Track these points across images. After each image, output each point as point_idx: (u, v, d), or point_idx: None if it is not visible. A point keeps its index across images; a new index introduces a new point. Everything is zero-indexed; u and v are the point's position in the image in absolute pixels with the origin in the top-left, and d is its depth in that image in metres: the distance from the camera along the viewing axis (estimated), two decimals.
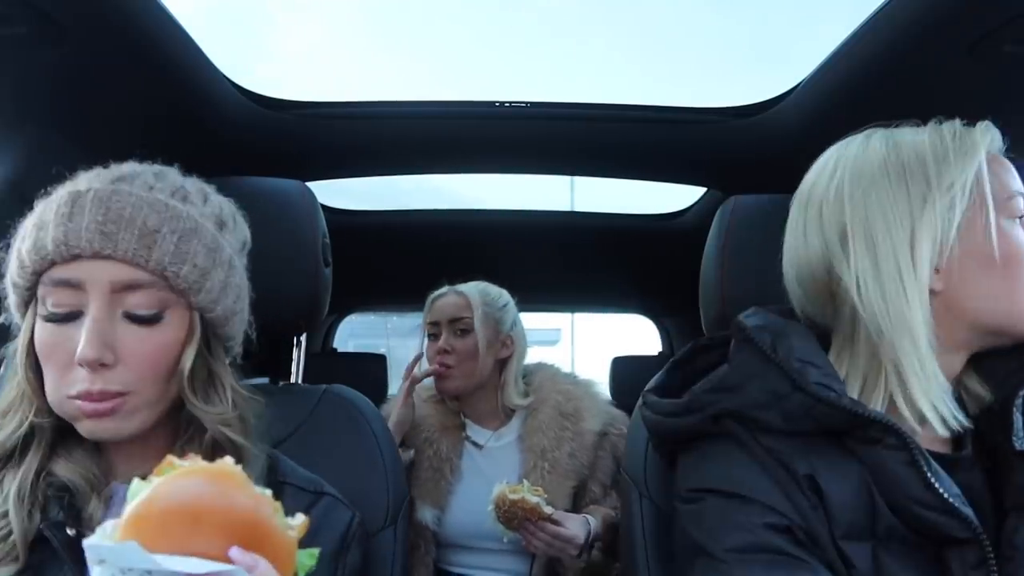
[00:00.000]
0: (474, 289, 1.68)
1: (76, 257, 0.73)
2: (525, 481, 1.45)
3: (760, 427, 0.77)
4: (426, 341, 1.71)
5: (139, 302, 0.74)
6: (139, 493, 0.53)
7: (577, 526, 1.44)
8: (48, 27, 0.93)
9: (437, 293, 1.71)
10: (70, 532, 0.73)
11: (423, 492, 1.56)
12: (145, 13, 1.02)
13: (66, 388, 0.73)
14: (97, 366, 0.72)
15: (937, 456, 0.75)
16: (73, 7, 0.92)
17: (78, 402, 0.72)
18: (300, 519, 0.57)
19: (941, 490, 0.71)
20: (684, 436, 0.85)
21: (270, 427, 0.89)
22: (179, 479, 0.53)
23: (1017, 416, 0.78)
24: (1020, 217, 0.78)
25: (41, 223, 0.74)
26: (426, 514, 1.54)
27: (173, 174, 0.82)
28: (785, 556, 0.72)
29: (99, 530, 0.53)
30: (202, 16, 1.16)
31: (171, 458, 0.56)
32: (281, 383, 1.29)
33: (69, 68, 1.04)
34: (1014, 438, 0.77)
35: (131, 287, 0.73)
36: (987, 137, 0.79)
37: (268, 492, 0.56)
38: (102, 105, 1.17)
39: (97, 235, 0.72)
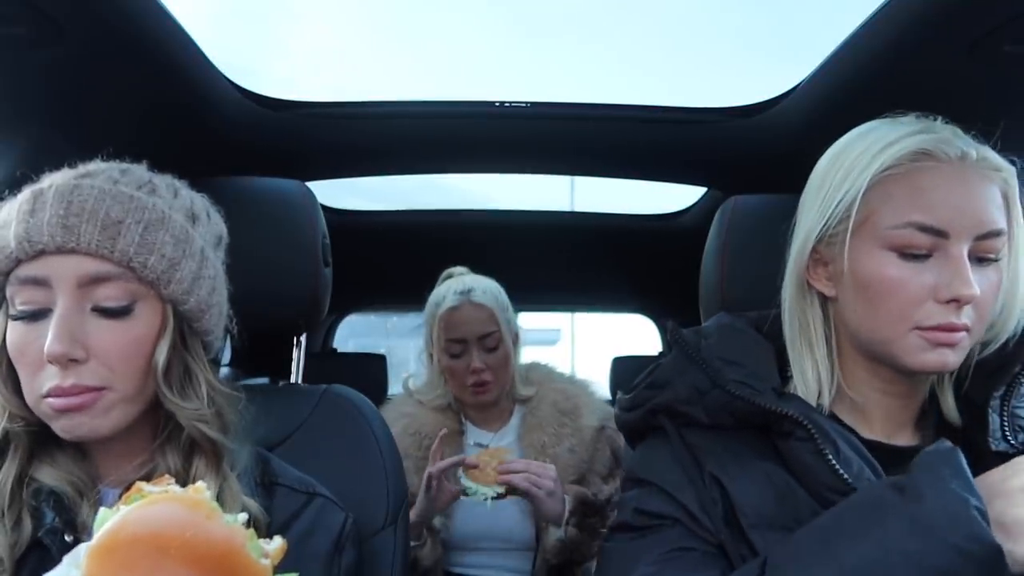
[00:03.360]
0: (488, 297, 1.60)
1: (40, 253, 0.72)
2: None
3: (687, 421, 0.83)
4: (444, 358, 1.60)
5: (107, 295, 0.73)
6: (105, 522, 0.51)
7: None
8: (48, 27, 0.93)
9: (450, 305, 1.59)
10: (68, 538, 0.72)
11: None
12: (145, 13, 1.02)
13: (39, 387, 0.71)
14: (67, 362, 0.70)
15: (887, 448, 0.81)
16: (73, 7, 0.92)
17: (50, 399, 0.71)
18: (276, 543, 0.55)
19: (844, 474, 0.74)
20: (637, 430, 0.91)
21: (268, 427, 0.89)
22: (146, 508, 0.51)
23: (993, 417, 0.80)
24: (909, 249, 0.76)
25: (4, 223, 0.73)
26: (434, 520, 1.54)
27: (141, 170, 0.81)
28: (642, 530, 0.80)
29: (69, 556, 0.52)
30: (206, 18, 1.16)
31: (140, 484, 0.54)
32: (281, 383, 1.29)
33: (69, 68, 1.04)
34: (990, 438, 0.79)
35: (98, 280, 0.72)
36: (880, 160, 0.77)
37: (242, 518, 0.54)
38: (101, 105, 1.17)
39: (59, 229, 0.71)
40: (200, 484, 0.55)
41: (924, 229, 0.75)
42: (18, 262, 0.72)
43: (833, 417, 0.83)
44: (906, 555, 0.62)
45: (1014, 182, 0.78)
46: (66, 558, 0.52)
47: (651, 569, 0.77)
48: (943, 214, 0.75)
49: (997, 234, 0.76)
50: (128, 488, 0.56)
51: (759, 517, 0.77)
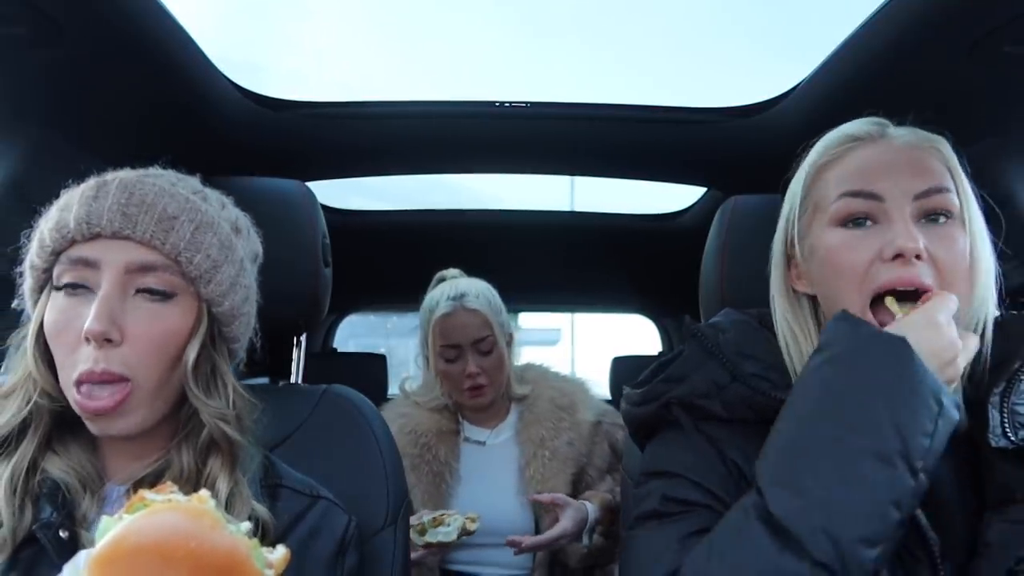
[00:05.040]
0: (481, 301, 1.61)
1: (96, 236, 0.76)
2: (424, 518, 1.44)
3: (703, 415, 0.84)
4: (439, 363, 1.61)
5: (151, 281, 0.77)
6: (108, 532, 0.50)
7: (569, 517, 1.47)
8: (48, 27, 0.93)
9: (444, 311, 1.60)
10: (62, 535, 0.73)
11: (424, 499, 1.55)
12: (145, 13, 1.02)
13: (72, 368, 0.74)
14: (103, 341, 0.73)
15: None
16: (72, 7, 0.92)
17: (79, 396, 0.73)
18: (280, 553, 0.55)
19: None
20: (648, 424, 0.91)
21: (268, 427, 0.89)
22: (149, 517, 0.51)
23: (993, 413, 0.80)
24: (850, 218, 0.79)
25: (66, 205, 0.77)
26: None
27: (195, 180, 0.86)
28: (670, 516, 0.80)
29: (68, 565, 0.52)
30: (213, 15, 1.16)
31: (143, 493, 0.54)
32: (281, 383, 1.29)
33: (68, 68, 1.04)
34: (990, 435, 0.78)
35: (145, 269, 0.76)
36: (815, 154, 0.84)
37: (245, 527, 0.54)
38: (102, 105, 1.17)
39: (119, 215, 0.75)
40: (204, 493, 0.55)
41: (857, 194, 0.79)
42: (73, 242, 0.76)
43: None
44: (849, 386, 0.69)
45: (950, 152, 0.81)
46: (66, 567, 0.52)
47: (679, 546, 0.76)
48: (873, 179, 0.79)
49: (939, 191, 0.77)
50: (134, 489, 0.55)
51: None
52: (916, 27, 1.03)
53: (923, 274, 0.75)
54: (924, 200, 0.77)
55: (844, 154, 0.82)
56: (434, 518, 1.43)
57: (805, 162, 0.86)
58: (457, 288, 1.62)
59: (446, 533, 1.40)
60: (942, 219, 0.77)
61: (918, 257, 0.75)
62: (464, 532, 1.42)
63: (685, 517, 0.79)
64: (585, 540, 1.49)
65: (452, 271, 1.72)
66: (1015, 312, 0.83)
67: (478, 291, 1.63)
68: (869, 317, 0.77)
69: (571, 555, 1.53)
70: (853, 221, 0.79)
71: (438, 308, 1.61)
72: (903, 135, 0.81)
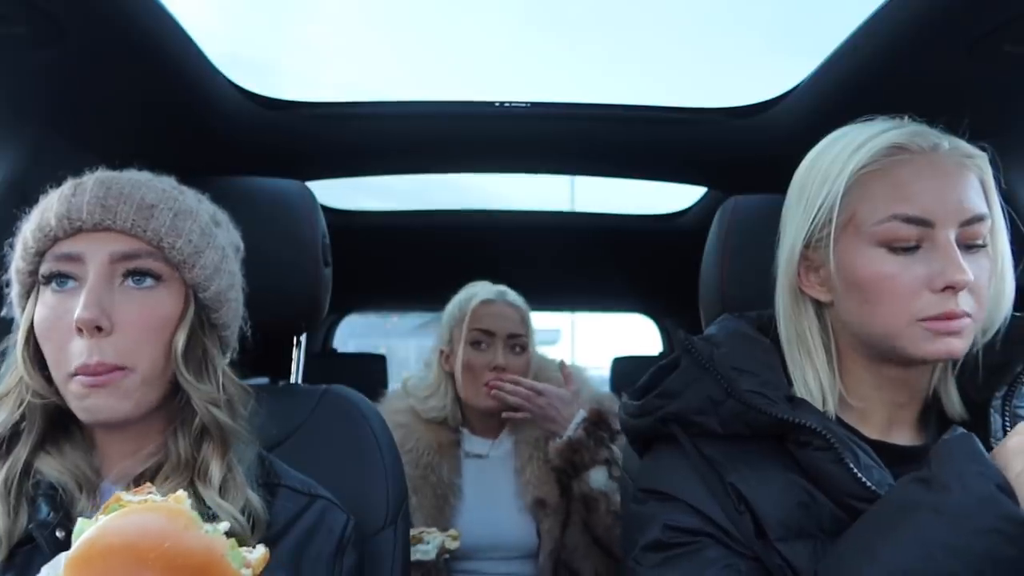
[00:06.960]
0: (521, 302, 1.64)
1: (78, 231, 0.77)
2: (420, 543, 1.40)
3: (701, 431, 0.82)
4: (466, 351, 1.59)
5: (136, 267, 0.78)
6: (83, 532, 0.50)
7: (562, 392, 1.52)
8: (48, 27, 0.93)
9: (485, 298, 1.61)
10: (59, 534, 0.73)
11: (428, 522, 1.51)
12: (145, 13, 1.02)
13: (66, 365, 0.75)
14: (93, 330, 0.73)
15: (889, 448, 0.81)
16: (73, 7, 0.92)
17: (78, 377, 0.74)
18: (259, 553, 0.54)
19: (867, 483, 0.74)
20: (645, 437, 0.90)
21: (268, 427, 0.89)
22: (124, 518, 0.51)
23: (995, 416, 0.80)
24: (897, 243, 0.76)
25: (46, 207, 0.79)
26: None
27: (171, 179, 0.87)
28: (676, 548, 0.78)
29: (47, 567, 0.52)
30: (212, 20, 1.16)
31: (120, 494, 0.54)
32: (281, 383, 1.29)
33: (69, 68, 1.04)
34: (992, 438, 0.79)
35: (129, 257, 0.77)
36: (856, 159, 0.78)
37: (222, 527, 0.53)
38: (102, 105, 1.17)
39: (98, 207, 0.76)
40: (181, 493, 0.55)
41: (909, 220, 0.76)
42: (55, 240, 0.77)
43: (838, 421, 0.82)
44: (948, 547, 0.64)
45: (988, 167, 0.80)
46: (45, 568, 0.52)
47: None
48: (925, 203, 0.75)
49: (980, 219, 0.77)
50: (135, 484, 0.55)
51: (785, 530, 0.76)
52: (916, 27, 1.03)
53: (964, 303, 0.75)
54: (967, 228, 0.76)
55: (891, 167, 0.77)
56: (413, 536, 1.37)
57: (834, 160, 0.80)
58: (496, 286, 1.66)
59: (424, 551, 1.35)
60: (978, 246, 0.77)
61: None
62: (444, 550, 1.38)
63: (693, 553, 0.78)
64: (569, 432, 1.49)
65: (481, 282, 1.72)
66: (1016, 315, 0.83)
67: (503, 289, 1.67)
68: (911, 334, 0.76)
69: (551, 451, 1.53)
70: (901, 247, 0.76)
71: (476, 297, 1.62)
72: (950, 151, 0.78)
